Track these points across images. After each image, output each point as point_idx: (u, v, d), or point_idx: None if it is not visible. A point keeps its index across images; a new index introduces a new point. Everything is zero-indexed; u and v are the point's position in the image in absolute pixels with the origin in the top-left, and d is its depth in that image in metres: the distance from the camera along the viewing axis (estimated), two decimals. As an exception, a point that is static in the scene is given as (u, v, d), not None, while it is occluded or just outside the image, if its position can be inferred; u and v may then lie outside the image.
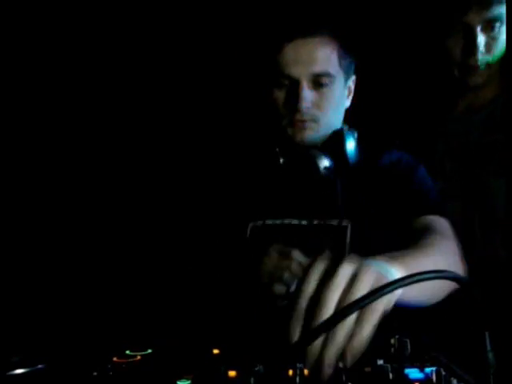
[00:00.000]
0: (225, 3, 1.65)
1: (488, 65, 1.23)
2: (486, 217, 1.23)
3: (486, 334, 0.53)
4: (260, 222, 1.15)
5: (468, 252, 1.18)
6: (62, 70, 1.68)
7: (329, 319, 0.57)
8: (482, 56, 1.21)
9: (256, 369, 0.61)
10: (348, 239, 1.07)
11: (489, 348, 0.53)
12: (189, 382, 0.65)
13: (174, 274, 1.21)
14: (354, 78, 1.20)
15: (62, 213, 1.66)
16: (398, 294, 0.65)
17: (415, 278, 0.57)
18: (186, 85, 1.72)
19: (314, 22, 1.10)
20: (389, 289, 0.57)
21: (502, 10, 1.20)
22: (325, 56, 1.09)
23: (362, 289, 0.59)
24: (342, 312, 0.57)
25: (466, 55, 1.22)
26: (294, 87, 1.09)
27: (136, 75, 1.71)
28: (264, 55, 1.14)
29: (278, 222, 1.14)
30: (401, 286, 0.57)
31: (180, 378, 0.65)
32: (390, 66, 1.59)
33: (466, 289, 0.59)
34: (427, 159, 1.29)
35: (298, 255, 0.95)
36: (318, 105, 1.11)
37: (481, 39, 1.20)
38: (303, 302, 0.61)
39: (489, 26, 1.21)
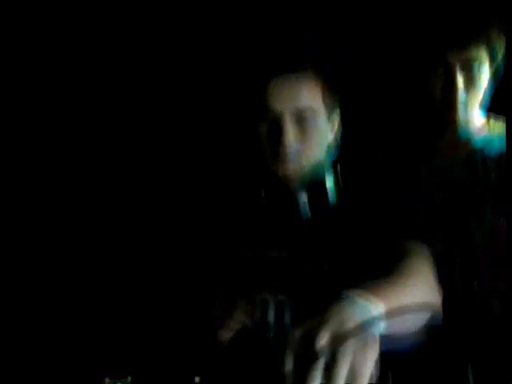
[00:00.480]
0: (210, 36, 1.68)
1: (466, 103, 1.26)
2: (465, 257, 1.25)
3: (469, 366, 0.54)
4: (235, 254, 1.16)
5: (447, 290, 1.21)
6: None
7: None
8: (459, 93, 1.25)
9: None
10: (326, 273, 1.09)
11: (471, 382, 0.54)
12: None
13: (152, 301, 1.20)
14: (338, 112, 1.22)
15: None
16: (381, 329, 0.65)
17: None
18: (171, 114, 1.73)
19: (297, 59, 1.12)
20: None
21: (480, 51, 1.25)
22: (308, 91, 1.11)
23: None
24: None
25: (445, 91, 1.26)
26: (277, 122, 1.10)
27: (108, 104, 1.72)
28: (247, 90, 1.15)
29: (254, 253, 1.15)
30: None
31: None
32: (373, 100, 1.63)
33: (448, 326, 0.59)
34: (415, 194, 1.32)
35: (241, 304, 0.99)
36: (301, 139, 1.11)
37: (459, 77, 1.24)
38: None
39: (468, 66, 1.24)
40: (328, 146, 1.21)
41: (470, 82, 1.26)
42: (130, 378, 0.80)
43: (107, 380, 0.79)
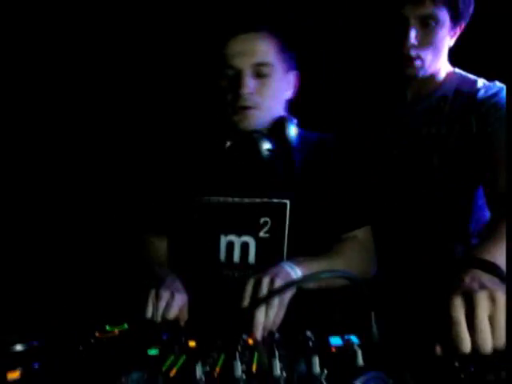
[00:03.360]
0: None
1: (422, 58, 1.28)
2: (425, 205, 1.33)
3: (372, 313, 0.70)
4: (203, 200, 1.28)
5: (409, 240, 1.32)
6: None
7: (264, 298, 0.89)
8: (413, 48, 1.26)
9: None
10: (287, 217, 1.22)
11: (374, 324, 0.70)
12: (157, 350, 0.80)
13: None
14: (295, 72, 1.32)
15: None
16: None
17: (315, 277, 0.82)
18: (140, 70, 1.82)
19: (255, 19, 1.24)
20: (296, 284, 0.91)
21: (437, 10, 1.25)
22: (265, 48, 1.24)
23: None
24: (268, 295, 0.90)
25: (399, 45, 1.28)
26: (237, 76, 1.22)
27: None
28: (210, 48, 1.27)
29: (221, 199, 1.27)
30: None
31: (150, 348, 0.80)
32: (335, 54, 1.69)
33: (355, 285, 0.78)
34: (375, 143, 1.40)
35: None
36: (259, 92, 1.24)
37: (413, 31, 1.25)
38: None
39: (424, 22, 1.26)
40: (286, 101, 1.33)
41: (424, 38, 1.25)
42: (126, 324, 0.95)
43: (107, 326, 0.94)
